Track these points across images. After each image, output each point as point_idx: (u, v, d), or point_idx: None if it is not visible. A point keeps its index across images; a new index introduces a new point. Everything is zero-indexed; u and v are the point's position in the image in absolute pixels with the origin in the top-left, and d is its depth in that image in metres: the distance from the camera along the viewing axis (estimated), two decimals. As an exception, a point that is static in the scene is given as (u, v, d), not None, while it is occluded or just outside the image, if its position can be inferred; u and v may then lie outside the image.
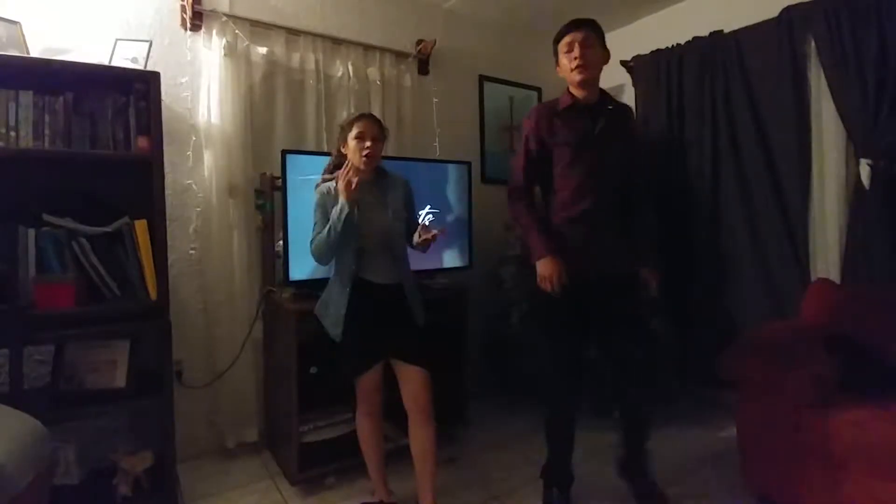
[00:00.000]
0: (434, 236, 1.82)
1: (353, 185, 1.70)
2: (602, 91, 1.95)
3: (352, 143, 1.80)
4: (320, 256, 1.80)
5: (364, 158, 1.77)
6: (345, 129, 1.84)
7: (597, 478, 2.16)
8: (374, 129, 1.82)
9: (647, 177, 2.05)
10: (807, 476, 1.79)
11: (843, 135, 2.48)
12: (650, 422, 2.02)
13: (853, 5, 2.34)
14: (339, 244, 1.75)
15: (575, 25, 1.86)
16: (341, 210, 1.71)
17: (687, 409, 2.86)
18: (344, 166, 1.75)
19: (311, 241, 1.82)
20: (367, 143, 1.78)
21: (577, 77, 1.85)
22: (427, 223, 1.88)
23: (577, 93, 1.89)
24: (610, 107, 1.92)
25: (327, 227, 1.74)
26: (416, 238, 1.86)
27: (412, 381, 1.84)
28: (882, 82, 2.28)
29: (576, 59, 1.83)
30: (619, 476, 2.04)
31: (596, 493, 2.07)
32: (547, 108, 1.97)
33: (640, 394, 1.96)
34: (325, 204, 1.82)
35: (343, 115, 2.77)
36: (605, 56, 1.90)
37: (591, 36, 1.84)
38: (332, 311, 1.83)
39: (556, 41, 1.93)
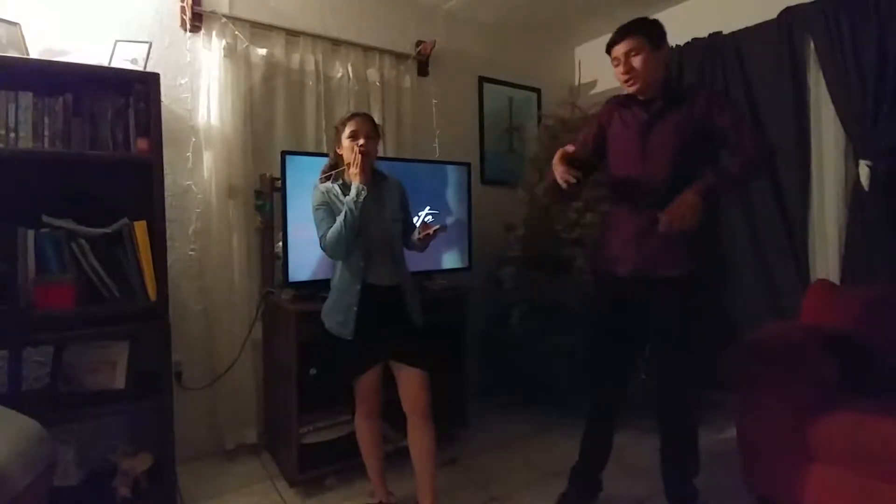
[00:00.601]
0: (435, 232, 1.82)
1: (365, 168, 1.74)
2: (670, 86, 1.84)
3: (346, 142, 1.80)
4: (337, 247, 1.75)
5: (359, 156, 1.76)
6: (339, 129, 1.85)
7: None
8: (367, 127, 1.82)
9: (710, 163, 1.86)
10: (807, 477, 1.78)
11: (843, 136, 2.49)
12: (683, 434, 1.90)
13: (852, 7, 2.34)
14: (356, 232, 1.74)
15: (619, 36, 1.78)
16: (358, 193, 1.72)
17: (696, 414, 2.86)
18: (351, 158, 1.78)
19: (322, 237, 1.79)
20: (361, 141, 1.78)
21: (630, 90, 1.82)
22: (427, 221, 1.87)
23: (638, 96, 1.84)
24: (660, 101, 1.81)
25: (343, 214, 1.72)
26: (415, 234, 1.87)
27: (411, 383, 1.83)
28: (881, 83, 2.28)
29: (623, 73, 1.78)
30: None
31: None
32: (616, 99, 1.95)
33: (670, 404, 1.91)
34: (327, 202, 1.81)
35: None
36: (661, 56, 1.78)
37: (635, 45, 1.74)
38: (342, 311, 1.81)
39: (608, 52, 1.86)
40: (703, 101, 1.76)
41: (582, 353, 2.67)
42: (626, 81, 1.79)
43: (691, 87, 2.04)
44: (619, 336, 1.93)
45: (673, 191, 1.68)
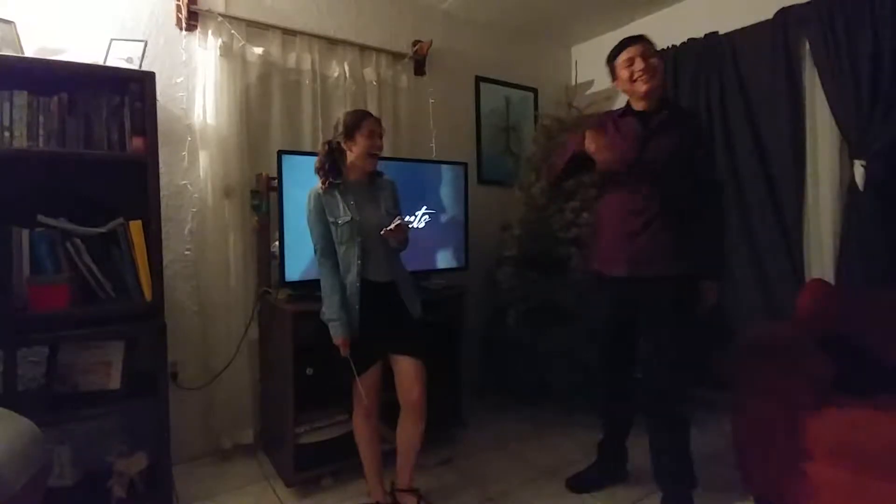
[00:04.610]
0: (398, 226, 1.76)
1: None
2: (665, 101, 1.94)
3: (363, 140, 1.81)
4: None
5: (374, 157, 1.84)
6: (351, 127, 1.82)
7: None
8: (380, 129, 1.87)
9: (705, 179, 1.93)
10: (802, 475, 1.79)
11: (838, 136, 2.50)
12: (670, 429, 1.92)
13: (847, 7, 2.35)
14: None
15: (631, 40, 1.88)
16: (334, 334, 1.80)
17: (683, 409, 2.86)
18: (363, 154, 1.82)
19: (315, 245, 1.86)
20: (379, 143, 1.84)
21: (642, 87, 1.85)
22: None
23: (638, 105, 1.93)
24: (665, 112, 1.89)
25: (336, 306, 1.79)
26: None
27: (406, 373, 1.85)
28: (876, 83, 2.29)
29: (640, 70, 1.84)
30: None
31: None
32: (608, 114, 2.08)
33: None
34: (318, 206, 1.82)
35: (339, 115, 2.76)
36: (663, 66, 1.91)
37: (649, 48, 1.87)
38: (346, 310, 1.81)
39: (612, 59, 1.94)
40: (695, 132, 1.90)
41: (579, 352, 2.67)
42: (642, 77, 1.84)
43: (691, 111, 2.14)
44: (623, 331, 2.02)
45: (665, 199, 1.82)
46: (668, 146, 1.84)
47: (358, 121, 1.83)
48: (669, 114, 1.89)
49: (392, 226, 1.76)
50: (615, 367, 2.09)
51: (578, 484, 2.15)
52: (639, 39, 1.88)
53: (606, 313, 2.04)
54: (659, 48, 3.14)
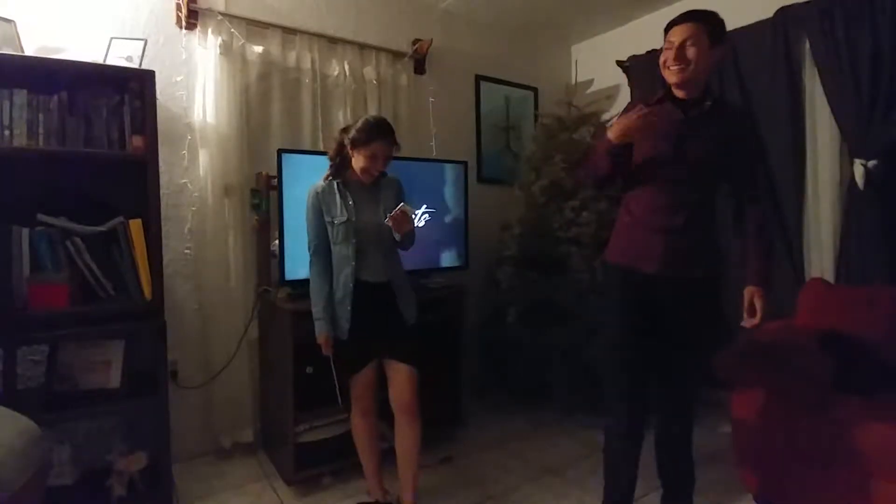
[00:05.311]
0: (401, 212, 1.73)
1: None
2: (709, 92, 1.71)
3: (362, 158, 1.77)
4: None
5: (369, 174, 1.80)
6: (357, 141, 1.77)
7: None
8: (389, 151, 1.81)
9: (748, 185, 1.76)
10: (802, 475, 1.80)
11: (838, 135, 2.49)
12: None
13: (847, 6, 2.35)
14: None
15: (683, 18, 1.62)
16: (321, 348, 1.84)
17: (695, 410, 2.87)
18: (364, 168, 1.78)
19: (310, 243, 1.86)
20: (379, 166, 1.80)
21: (671, 78, 1.66)
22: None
23: (677, 92, 1.70)
24: (708, 103, 1.68)
25: (321, 305, 1.81)
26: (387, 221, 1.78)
27: (398, 380, 1.84)
28: (876, 83, 2.29)
29: (674, 60, 1.61)
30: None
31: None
32: (637, 103, 1.76)
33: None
34: (316, 205, 1.82)
35: (339, 114, 2.77)
36: (715, 55, 1.63)
37: (694, 33, 1.59)
38: (338, 310, 1.83)
39: (666, 31, 1.67)
40: (739, 124, 1.72)
41: (579, 352, 2.67)
42: (673, 67, 1.63)
43: (742, 109, 1.94)
44: (643, 336, 1.76)
45: (702, 199, 1.69)
46: (713, 138, 1.65)
47: (367, 140, 1.75)
48: (713, 105, 1.67)
49: (395, 212, 1.72)
50: (635, 374, 1.77)
51: None
52: (689, 19, 1.60)
53: (625, 311, 1.77)
54: (660, 47, 3.14)
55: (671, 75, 1.65)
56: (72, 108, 1.87)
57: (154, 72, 1.96)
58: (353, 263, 1.81)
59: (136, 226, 1.91)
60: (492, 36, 3.51)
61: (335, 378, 1.87)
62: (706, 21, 1.61)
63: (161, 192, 1.99)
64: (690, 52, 1.59)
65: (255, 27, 2.56)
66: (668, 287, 1.71)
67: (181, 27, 2.40)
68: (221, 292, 2.45)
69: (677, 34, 1.61)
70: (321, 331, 1.82)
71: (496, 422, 2.87)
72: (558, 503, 2.10)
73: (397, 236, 1.83)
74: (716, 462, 2.24)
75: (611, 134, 1.66)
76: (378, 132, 1.76)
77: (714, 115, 1.67)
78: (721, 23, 1.63)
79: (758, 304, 1.72)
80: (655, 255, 1.70)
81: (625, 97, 3.32)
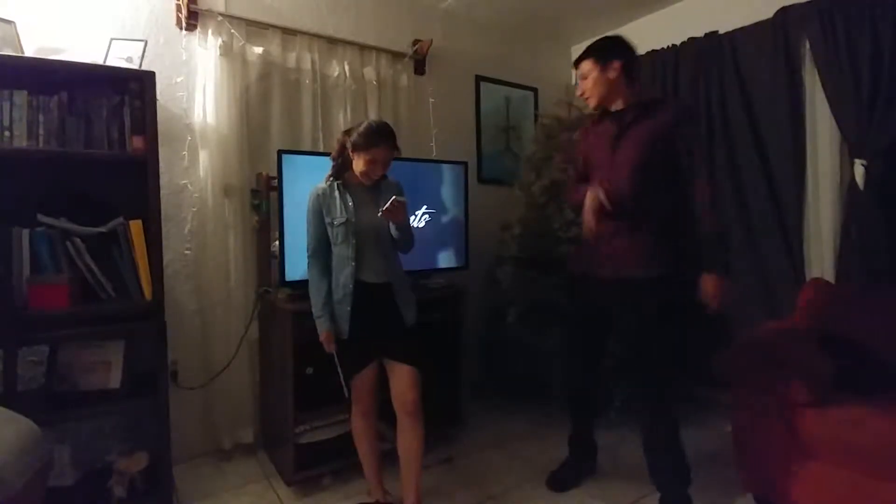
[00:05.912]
0: (394, 205, 1.72)
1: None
2: (640, 98, 1.94)
3: (361, 162, 1.78)
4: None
5: (367, 178, 1.81)
6: (358, 145, 1.77)
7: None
8: (389, 156, 1.81)
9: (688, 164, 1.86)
10: (802, 474, 1.79)
11: (838, 135, 2.50)
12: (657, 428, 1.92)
13: (847, 6, 2.35)
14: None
15: (576, 62, 2.00)
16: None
17: (682, 407, 2.86)
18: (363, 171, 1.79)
19: (308, 245, 1.86)
20: (379, 171, 1.81)
21: (589, 105, 2.03)
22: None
23: (609, 108, 1.99)
24: (641, 106, 1.91)
25: (321, 303, 1.83)
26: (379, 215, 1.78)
27: (399, 380, 1.84)
28: (876, 83, 2.29)
29: (580, 93, 2.01)
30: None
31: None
32: (587, 123, 2.17)
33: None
34: (316, 208, 1.83)
35: (339, 115, 2.77)
36: (611, 72, 1.90)
37: (585, 68, 1.94)
38: (338, 310, 1.83)
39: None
40: (670, 117, 1.85)
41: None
42: (584, 98, 2.01)
43: (663, 100, 2.11)
44: (589, 333, 2.11)
45: (637, 201, 1.83)
46: (642, 138, 1.85)
47: (367, 144, 1.76)
48: (646, 108, 1.89)
49: (388, 205, 1.72)
50: (585, 365, 2.15)
51: (558, 484, 2.18)
52: (579, 61, 1.97)
53: (582, 313, 2.11)
54: (659, 47, 3.16)
55: (588, 102, 2.01)
56: (72, 108, 1.87)
57: (154, 72, 1.96)
58: (353, 264, 1.81)
59: (136, 226, 1.91)
60: (492, 36, 3.52)
61: (340, 373, 1.86)
62: (591, 53, 1.93)
63: (161, 192, 1.99)
64: (585, 84, 1.96)
65: (255, 28, 2.56)
66: (616, 289, 1.89)
67: (181, 28, 2.40)
68: (222, 293, 2.45)
69: (578, 72, 1.99)
70: (322, 328, 1.82)
71: (496, 422, 2.87)
72: (558, 503, 2.10)
73: (394, 232, 1.84)
74: (716, 462, 2.24)
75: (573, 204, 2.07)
76: (379, 137, 1.77)
77: (649, 116, 1.87)
78: (604, 45, 1.93)
79: (709, 289, 1.81)
80: (600, 259, 1.92)
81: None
